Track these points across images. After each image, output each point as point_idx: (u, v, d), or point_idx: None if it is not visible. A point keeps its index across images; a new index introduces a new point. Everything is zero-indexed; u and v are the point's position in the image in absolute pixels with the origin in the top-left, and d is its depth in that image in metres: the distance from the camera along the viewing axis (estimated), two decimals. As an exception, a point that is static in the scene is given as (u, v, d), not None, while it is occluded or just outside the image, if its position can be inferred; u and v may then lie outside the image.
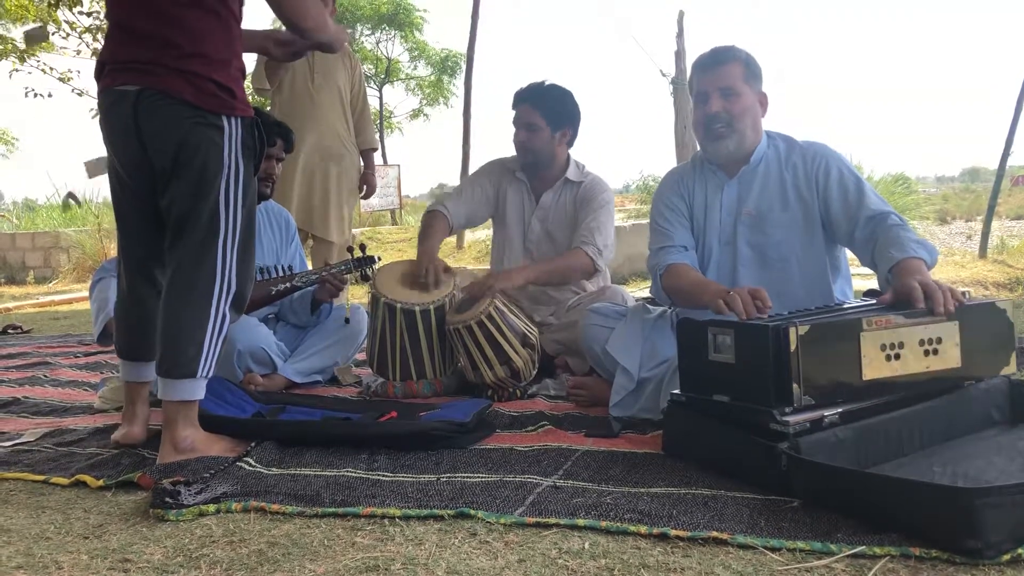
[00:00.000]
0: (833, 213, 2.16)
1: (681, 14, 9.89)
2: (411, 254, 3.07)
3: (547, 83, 3.00)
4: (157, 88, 1.94)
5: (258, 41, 2.29)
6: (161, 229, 2.05)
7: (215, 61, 1.95)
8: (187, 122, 1.93)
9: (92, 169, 4.15)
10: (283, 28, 2.15)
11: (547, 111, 2.93)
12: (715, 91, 2.19)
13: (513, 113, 2.99)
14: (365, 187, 4.44)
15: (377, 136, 4.72)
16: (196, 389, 1.97)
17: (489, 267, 3.42)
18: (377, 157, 4.68)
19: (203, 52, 1.94)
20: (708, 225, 2.30)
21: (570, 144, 3.05)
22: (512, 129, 3.00)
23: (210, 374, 1.99)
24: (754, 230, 2.24)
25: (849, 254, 2.27)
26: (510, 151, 3.06)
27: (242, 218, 2.01)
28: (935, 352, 1.77)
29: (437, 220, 3.04)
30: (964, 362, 1.81)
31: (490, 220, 3.25)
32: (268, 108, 4.26)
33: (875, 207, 2.09)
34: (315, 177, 4.15)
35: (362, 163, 4.41)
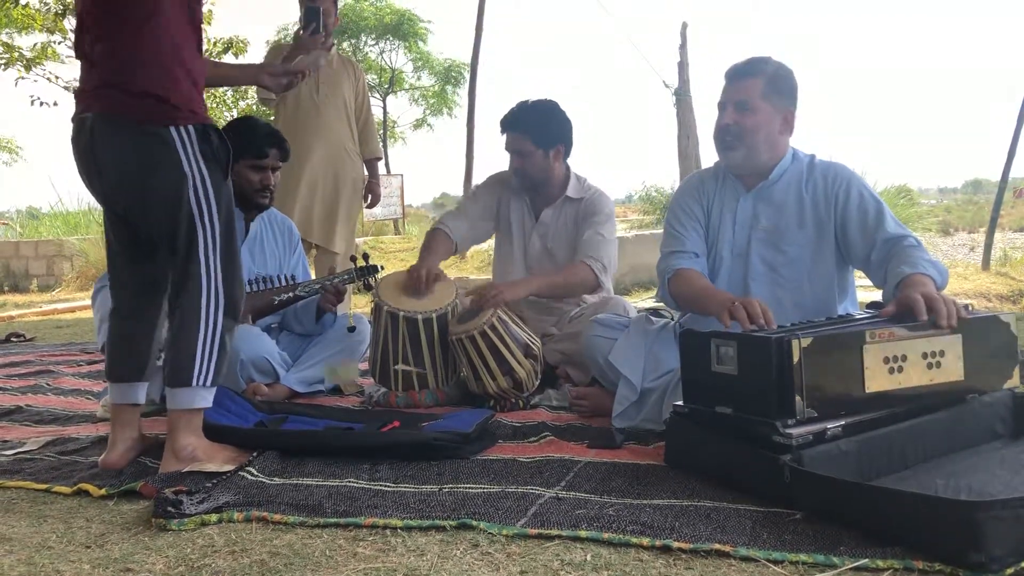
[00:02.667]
0: (850, 235, 2.15)
1: (684, 25, 9.94)
2: (414, 264, 3.06)
3: (530, 102, 2.97)
4: (105, 111, 1.96)
5: (252, 72, 2.35)
6: (142, 247, 2.07)
7: (156, 76, 1.95)
8: (137, 141, 1.95)
9: None
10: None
11: (534, 133, 2.91)
12: (731, 104, 2.21)
13: (504, 138, 2.98)
14: (370, 197, 4.45)
15: (381, 145, 4.72)
16: (194, 398, 1.99)
17: (491, 279, 3.42)
18: (380, 167, 4.69)
19: (143, 68, 1.95)
20: (721, 235, 2.30)
21: (566, 156, 3.03)
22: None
23: (208, 383, 1.99)
24: (769, 246, 2.24)
25: (857, 273, 2.27)
26: (513, 163, 3.06)
27: (220, 223, 2.01)
28: (938, 365, 1.77)
29: (439, 238, 3.04)
30: (967, 375, 1.81)
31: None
32: (272, 119, 4.28)
33: (892, 230, 2.09)
34: (319, 188, 4.16)
35: (366, 173, 4.42)
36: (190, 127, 1.98)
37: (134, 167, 1.96)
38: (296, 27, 4.07)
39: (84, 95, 2.01)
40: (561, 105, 3.00)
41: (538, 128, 2.92)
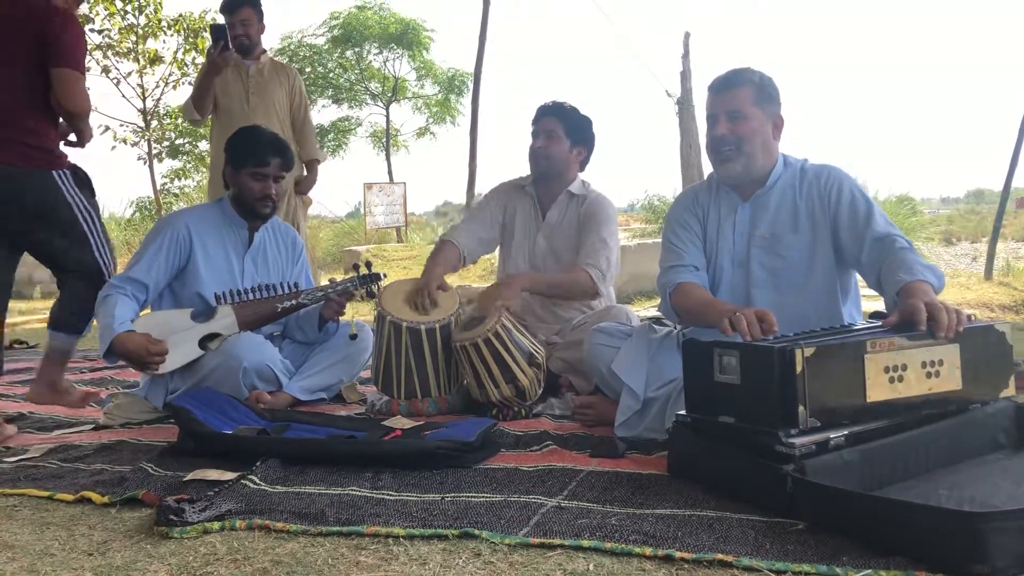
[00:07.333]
0: (842, 236, 2.16)
1: (687, 35, 9.97)
2: (417, 272, 3.08)
3: (570, 104, 3.09)
4: (4, 161, 2.69)
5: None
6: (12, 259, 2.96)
7: (36, 130, 2.70)
8: (34, 184, 2.71)
9: None
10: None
11: (569, 126, 3.04)
12: (723, 114, 2.21)
13: (532, 128, 3.08)
14: (296, 187, 4.40)
15: (320, 147, 4.72)
16: (75, 344, 3.06)
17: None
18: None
19: (26, 125, 2.71)
20: (720, 246, 2.31)
21: (582, 167, 3.14)
22: (525, 143, 3.10)
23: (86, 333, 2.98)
24: (768, 252, 2.24)
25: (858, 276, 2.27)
26: (515, 169, 3.12)
27: (98, 222, 2.95)
28: (936, 374, 1.77)
29: (447, 249, 3.08)
30: (964, 384, 1.81)
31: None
32: (208, 130, 4.36)
33: (881, 229, 2.09)
34: None
35: (305, 172, 4.46)
36: (65, 170, 2.79)
37: (35, 205, 2.73)
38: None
39: None
40: None
41: (573, 122, 3.06)
